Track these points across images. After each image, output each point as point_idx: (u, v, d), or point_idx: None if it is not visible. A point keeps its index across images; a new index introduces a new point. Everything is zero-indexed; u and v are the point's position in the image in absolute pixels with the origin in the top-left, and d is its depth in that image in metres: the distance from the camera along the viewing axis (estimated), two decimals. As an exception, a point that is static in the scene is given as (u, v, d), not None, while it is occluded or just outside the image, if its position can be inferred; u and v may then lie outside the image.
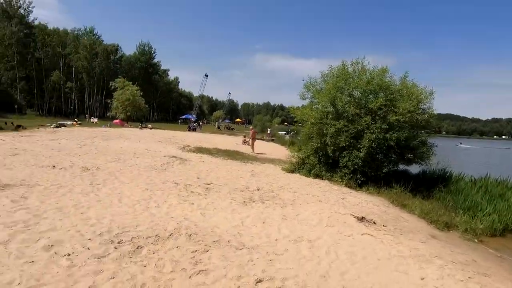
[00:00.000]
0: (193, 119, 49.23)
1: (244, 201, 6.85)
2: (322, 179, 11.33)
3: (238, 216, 5.77)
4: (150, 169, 9.59)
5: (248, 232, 5.01)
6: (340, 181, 10.92)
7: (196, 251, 4.06)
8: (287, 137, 35.87)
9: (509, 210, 8.61)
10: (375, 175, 10.61)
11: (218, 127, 54.07)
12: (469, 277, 4.59)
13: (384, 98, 10.21)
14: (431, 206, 8.92)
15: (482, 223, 8.00)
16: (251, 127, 30.15)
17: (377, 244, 5.47)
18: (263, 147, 21.62)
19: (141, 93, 38.35)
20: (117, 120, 36.89)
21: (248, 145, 20.81)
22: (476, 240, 7.31)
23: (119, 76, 42.74)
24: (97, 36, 60.13)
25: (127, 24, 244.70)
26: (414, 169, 12.88)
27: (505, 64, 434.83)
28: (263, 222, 5.60)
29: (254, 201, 7.00)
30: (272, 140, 33.16)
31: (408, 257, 5.05)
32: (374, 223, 6.76)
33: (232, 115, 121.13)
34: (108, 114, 50.92)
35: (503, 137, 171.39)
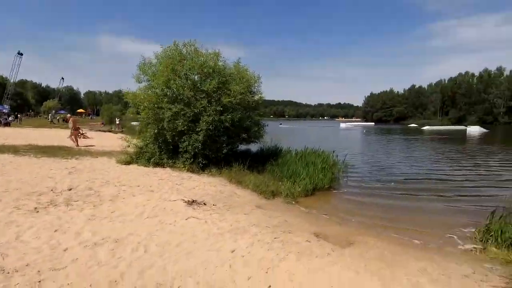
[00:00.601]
0: (4, 111, 37.65)
1: (36, 208, 5.28)
2: (164, 167, 10.64)
3: (14, 229, 4.29)
4: None
5: (22, 249, 3.73)
6: (183, 167, 10.55)
7: None
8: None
9: (317, 173, 10.58)
10: (216, 157, 10.80)
11: (51, 120, 43.88)
12: (275, 238, 5.05)
13: (217, 80, 10.37)
14: (262, 179, 9.83)
15: (299, 187, 9.43)
16: (68, 115, 26.11)
17: (200, 225, 5.30)
18: (103, 138, 18.71)
19: None
20: None
21: (81, 138, 17.45)
22: (293, 202, 8.51)
23: None
24: None
25: None
26: (255, 147, 14.13)
27: (326, 60, 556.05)
28: (55, 231, 4.38)
29: (55, 205, 5.53)
30: (122, 131, 29.65)
31: (227, 232, 5.11)
32: (205, 204, 6.67)
33: (72, 105, 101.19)
34: None
35: (325, 118, 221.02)
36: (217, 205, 6.71)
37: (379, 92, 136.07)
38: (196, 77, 11.10)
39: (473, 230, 6.32)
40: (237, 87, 10.47)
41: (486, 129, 52.86)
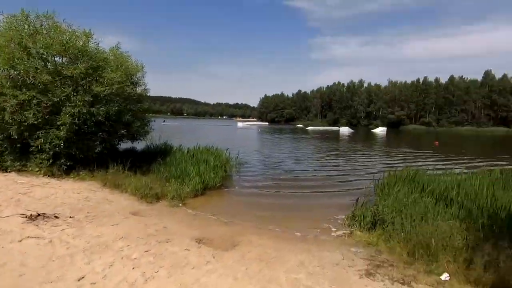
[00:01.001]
0: None
1: None
2: (7, 172, 8.10)
3: None
4: None
5: None
6: (37, 171, 8.27)
7: None
8: None
9: (209, 172, 10.08)
10: (86, 157, 8.92)
11: None
12: (146, 251, 4.21)
13: (87, 65, 8.54)
14: (146, 181, 8.63)
15: (188, 187, 8.70)
16: None
17: (38, 248, 3.95)
18: None
19: None
20: None
21: None
22: (180, 204, 7.72)
23: None
24: None
25: None
26: (141, 146, 12.57)
27: (226, 61, 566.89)
28: None
29: None
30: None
31: (80, 252, 3.96)
32: (56, 217, 5.17)
33: None
34: None
35: (224, 117, 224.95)
36: (75, 217, 5.31)
37: (272, 95, 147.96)
38: (57, 59, 8.91)
39: (344, 217, 7.02)
40: (113, 74, 8.90)
41: (353, 129, 64.25)
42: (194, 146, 13.02)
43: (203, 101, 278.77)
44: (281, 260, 4.35)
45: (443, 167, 13.30)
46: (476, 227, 4.94)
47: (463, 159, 18.51)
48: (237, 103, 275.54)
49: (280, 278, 3.71)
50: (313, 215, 7.28)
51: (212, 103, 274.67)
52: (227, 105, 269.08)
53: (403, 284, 3.73)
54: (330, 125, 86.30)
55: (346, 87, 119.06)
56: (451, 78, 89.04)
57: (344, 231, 6.22)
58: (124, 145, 12.05)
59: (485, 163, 15.44)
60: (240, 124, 74.97)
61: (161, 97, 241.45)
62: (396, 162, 16.52)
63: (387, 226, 5.68)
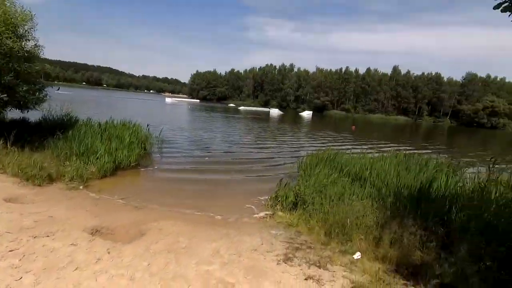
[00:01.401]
0: None
1: None
2: None
3: None
4: None
5: None
6: None
7: None
8: None
9: (122, 149, 8.81)
10: None
11: None
12: (11, 251, 3.19)
13: None
14: (36, 159, 7.01)
15: (95, 166, 7.41)
16: None
17: None
18: None
19: None
20: None
21: None
22: (81, 187, 6.49)
23: None
24: None
25: None
26: (36, 116, 10.32)
27: (155, 30, 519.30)
28: None
29: None
30: None
31: None
32: None
33: None
34: None
35: (151, 91, 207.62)
36: None
37: (205, 71, 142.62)
38: None
39: (267, 198, 6.85)
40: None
41: (282, 111, 66.79)
42: (107, 120, 11.31)
43: (127, 72, 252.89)
44: (194, 250, 3.82)
45: (359, 149, 14.51)
46: (385, 206, 5.22)
47: (374, 143, 20.73)
48: (166, 78, 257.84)
49: (188, 273, 3.19)
50: (237, 197, 6.93)
51: (137, 75, 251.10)
52: (155, 78, 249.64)
53: (319, 267, 3.61)
54: (261, 106, 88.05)
55: (278, 70, 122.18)
56: (368, 70, 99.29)
57: (267, 213, 6.02)
58: (13, 115, 9.75)
59: (392, 147, 17.48)
60: (168, 100, 70.51)
61: (75, 63, 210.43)
62: (319, 144, 17.48)
63: (308, 206, 5.66)
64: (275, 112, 61.22)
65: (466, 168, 9.62)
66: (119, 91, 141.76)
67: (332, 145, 15.47)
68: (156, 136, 12.24)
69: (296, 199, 6.08)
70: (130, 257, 3.43)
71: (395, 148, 16.80)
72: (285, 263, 3.65)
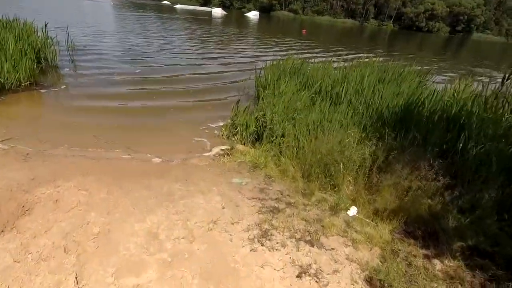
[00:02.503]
0: None
1: None
2: None
3: None
4: None
5: None
6: None
7: None
8: None
9: (5, 61, 5.99)
10: None
11: None
12: None
13: None
14: None
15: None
16: None
17: None
18: None
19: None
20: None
21: None
22: None
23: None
24: None
25: None
26: None
27: None
28: None
29: None
30: None
31: None
32: None
33: None
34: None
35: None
36: None
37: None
38: None
39: (221, 126, 5.33)
40: None
41: (226, 12, 59.12)
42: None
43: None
44: (112, 239, 2.34)
45: (318, 56, 12.97)
46: (374, 135, 4.13)
47: (331, 49, 19.24)
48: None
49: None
50: (181, 128, 5.26)
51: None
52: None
53: (311, 244, 2.49)
54: (201, 4, 76.52)
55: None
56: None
57: (222, 148, 4.60)
58: None
59: (353, 55, 16.21)
60: (85, -6, 56.51)
61: None
62: (274, 51, 15.32)
63: (276, 138, 4.34)
64: (218, 12, 54.02)
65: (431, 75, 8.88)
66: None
67: (289, 53, 13.60)
68: (61, 42, 8.98)
69: (260, 129, 4.68)
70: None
71: (358, 56, 15.55)
72: (262, 244, 2.43)
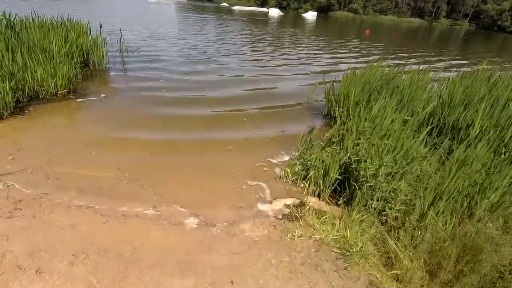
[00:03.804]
0: None
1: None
2: None
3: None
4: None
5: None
6: None
7: None
8: None
9: (41, 66, 5.27)
10: None
11: None
12: None
13: None
14: None
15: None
16: None
17: None
18: None
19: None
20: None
21: None
22: None
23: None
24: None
25: None
26: None
27: None
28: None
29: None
30: None
31: None
32: None
33: None
34: None
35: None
36: None
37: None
38: None
39: (287, 160, 3.82)
40: None
41: (283, 12, 57.64)
42: (27, 16, 7.22)
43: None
44: None
45: (397, 63, 10.73)
46: None
47: (410, 53, 16.56)
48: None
49: None
50: (228, 164, 3.81)
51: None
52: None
53: None
54: (258, 5, 76.13)
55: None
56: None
57: (288, 202, 3.10)
58: None
59: (434, 58, 13.51)
60: (151, -2, 59.91)
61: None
62: (342, 56, 13.36)
63: (379, 201, 2.67)
64: (274, 12, 52.77)
65: None
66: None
67: (360, 58, 11.55)
68: (115, 45, 8.35)
69: (345, 172, 3.06)
70: None
71: (441, 60, 12.81)
72: None
